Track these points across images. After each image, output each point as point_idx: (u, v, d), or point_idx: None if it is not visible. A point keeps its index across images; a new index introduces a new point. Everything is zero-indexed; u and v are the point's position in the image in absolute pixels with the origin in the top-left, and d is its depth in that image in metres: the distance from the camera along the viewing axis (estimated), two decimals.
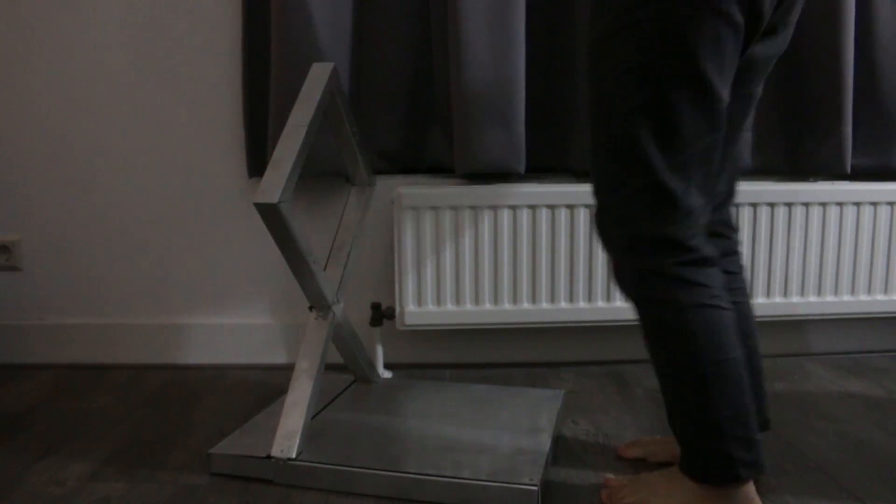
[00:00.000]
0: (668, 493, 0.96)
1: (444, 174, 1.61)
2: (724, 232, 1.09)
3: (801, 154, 1.63)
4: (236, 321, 1.68)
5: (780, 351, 1.72)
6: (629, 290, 0.94)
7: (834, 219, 1.59)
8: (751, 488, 0.91)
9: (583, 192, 1.52)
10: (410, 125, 1.61)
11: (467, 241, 1.54)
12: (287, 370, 1.23)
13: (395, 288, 1.54)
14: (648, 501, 0.97)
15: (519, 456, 1.08)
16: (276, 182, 1.06)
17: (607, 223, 0.95)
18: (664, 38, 0.85)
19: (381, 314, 1.57)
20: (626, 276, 0.94)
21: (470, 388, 1.40)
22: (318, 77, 1.18)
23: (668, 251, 0.90)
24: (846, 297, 1.62)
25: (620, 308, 1.56)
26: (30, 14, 1.59)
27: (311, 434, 1.14)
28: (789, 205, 1.58)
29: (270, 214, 1.06)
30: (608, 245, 0.95)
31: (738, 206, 1.57)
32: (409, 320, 1.53)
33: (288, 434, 1.10)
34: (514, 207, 1.52)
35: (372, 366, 1.46)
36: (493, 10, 1.46)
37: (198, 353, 1.68)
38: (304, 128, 1.12)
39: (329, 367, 1.24)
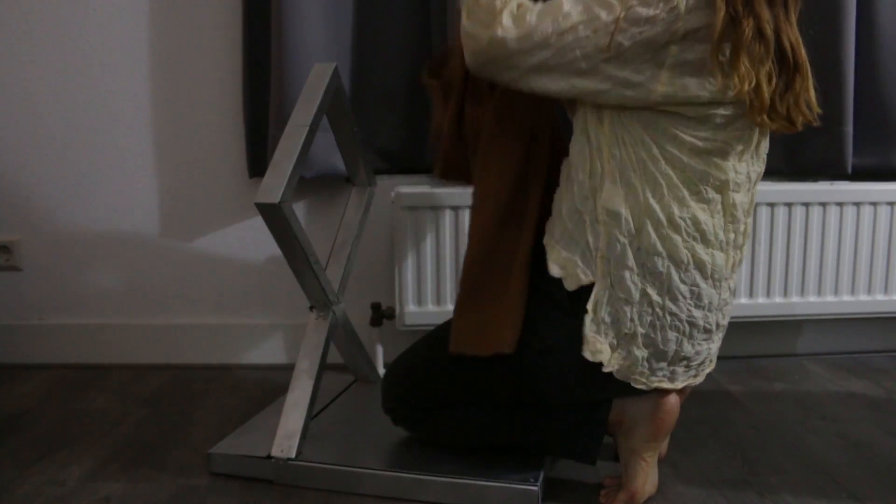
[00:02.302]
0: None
1: None
2: None
3: (801, 154, 1.63)
4: (236, 321, 1.68)
5: (780, 351, 1.72)
6: None
7: (834, 219, 1.59)
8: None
9: None
10: (410, 125, 1.61)
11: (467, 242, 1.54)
12: (287, 370, 1.23)
13: (395, 288, 1.53)
14: None
15: (519, 456, 1.08)
16: (277, 182, 1.06)
17: None
18: None
19: (381, 314, 1.57)
20: None
21: None
22: (319, 77, 1.18)
23: None
24: (846, 297, 1.62)
25: None
26: (30, 14, 1.58)
27: (311, 434, 1.14)
28: (789, 205, 1.58)
29: (271, 214, 1.06)
30: None
31: None
32: (409, 320, 1.53)
33: (288, 434, 1.10)
34: None
35: (372, 366, 1.45)
36: None
37: (198, 353, 1.68)
38: (305, 128, 1.12)
39: (329, 367, 1.24)
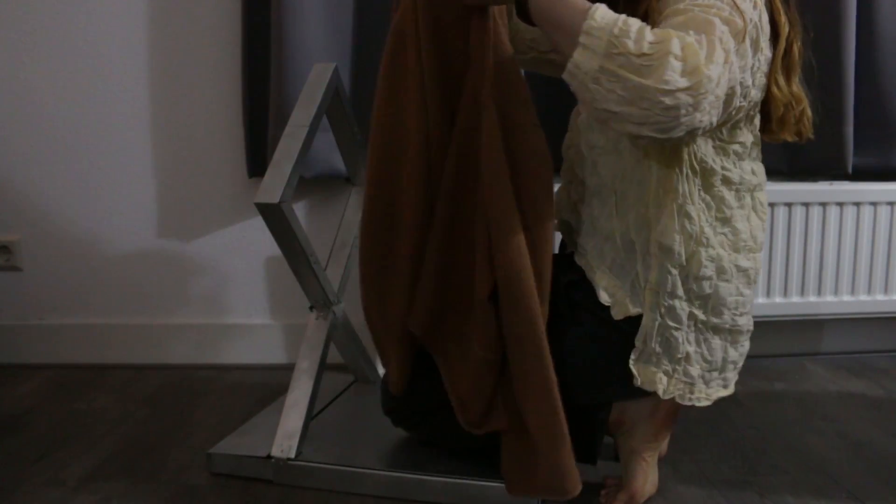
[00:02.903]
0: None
1: None
2: None
3: (801, 154, 1.63)
4: (236, 321, 1.68)
5: (780, 351, 1.72)
6: None
7: (834, 219, 1.59)
8: None
9: None
10: None
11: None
12: (287, 370, 1.23)
13: None
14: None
15: None
16: (277, 182, 1.06)
17: None
18: None
19: None
20: None
21: None
22: (319, 77, 1.19)
23: None
24: (846, 298, 1.62)
25: None
26: (30, 14, 1.58)
27: (311, 434, 1.14)
28: (789, 205, 1.58)
29: (271, 214, 1.06)
30: None
31: None
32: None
33: (288, 434, 1.10)
34: None
35: (372, 366, 1.45)
36: None
37: (198, 353, 1.68)
38: (304, 128, 1.12)
39: (329, 367, 1.24)
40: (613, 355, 0.95)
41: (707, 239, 0.91)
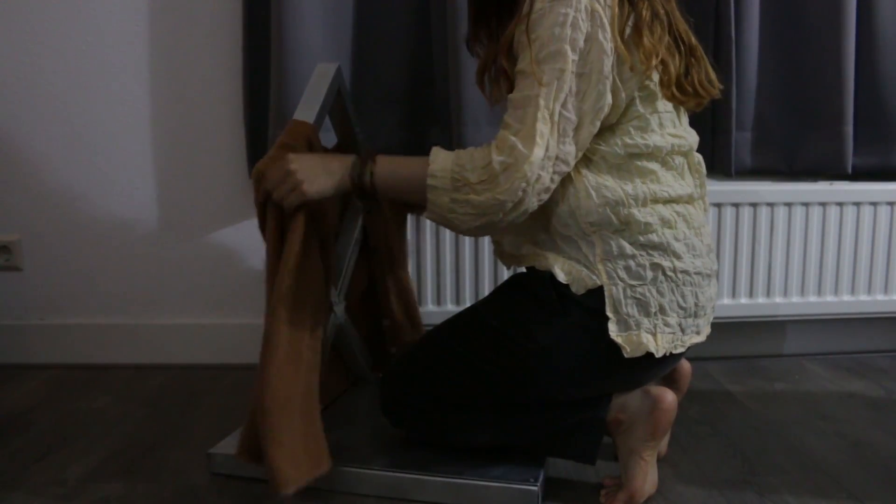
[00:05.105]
0: None
1: None
2: None
3: (801, 154, 1.63)
4: (236, 321, 1.68)
5: (780, 351, 1.72)
6: None
7: (834, 219, 1.59)
8: None
9: None
10: (410, 125, 1.61)
11: (467, 241, 1.54)
12: None
13: None
14: None
15: (519, 456, 1.08)
16: None
17: None
18: None
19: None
20: None
21: None
22: (322, 77, 1.18)
23: None
24: (846, 297, 1.62)
25: None
26: (30, 14, 1.59)
27: None
28: (789, 205, 1.58)
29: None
30: None
31: (737, 205, 1.57)
32: None
33: None
34: None
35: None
36: None
37: (198, 353, 1.68)
38: None
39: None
40: (601, 346, 0.97)
41: (639, 198, 0.95)
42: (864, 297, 1.62)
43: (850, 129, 1.57)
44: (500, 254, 1.12)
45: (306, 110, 1.14)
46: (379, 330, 1.41)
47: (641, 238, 0.96)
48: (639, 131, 0.96)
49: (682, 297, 0.98)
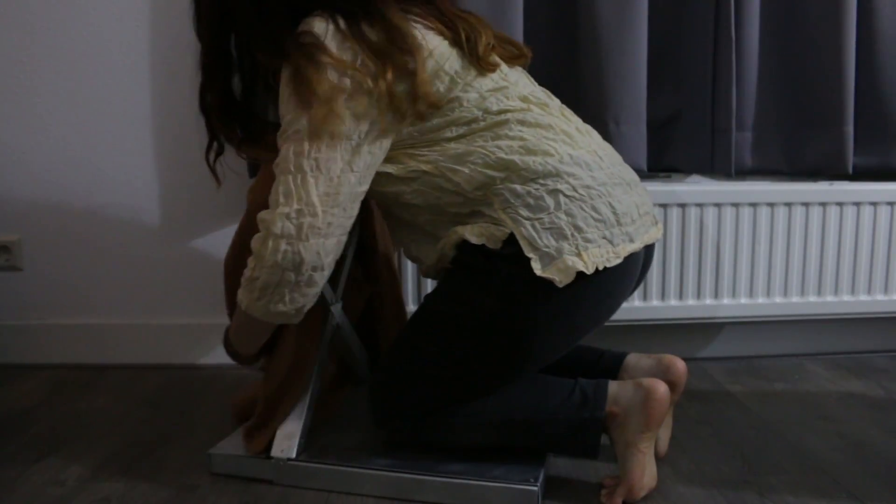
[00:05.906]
0: None
1: None
2: None
3: (801, 154, 1.63)
4: None
5: (780, 351, 1.72)
6: None
7: (834, 219, 1.59)
8: None
9: None
10: None
11: None
12: None
13: None
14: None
15: (519, 456, 1.08)
16: None
17: None
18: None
19: None
20: None
21: None
22: None
23: None
24: (846, 297, 1.62)
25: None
26: (30, 14, 1.59)
27: (311, 434, 1.14)
28: (789, 205, 1.58)
29: None
30: None
31: (737, 205, 1.57)
32: None
33: (288, 434, 1.10)
34: None
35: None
36: (493, 8, 1.46)
37: (198, 353, 1.68)
38: None
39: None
40: (541, 289, 0.97)
41: (501, 148, 0.98)
42: (863, 297, 1.62)
43: (850, 129, 1.57)
44: (426, 271, 1.12)
45: None
46: (377, 330, 1.41)
47: (525, 173, 0.97)
48: (474, 104, 1.00)
49: (595, 210, 0.98)
